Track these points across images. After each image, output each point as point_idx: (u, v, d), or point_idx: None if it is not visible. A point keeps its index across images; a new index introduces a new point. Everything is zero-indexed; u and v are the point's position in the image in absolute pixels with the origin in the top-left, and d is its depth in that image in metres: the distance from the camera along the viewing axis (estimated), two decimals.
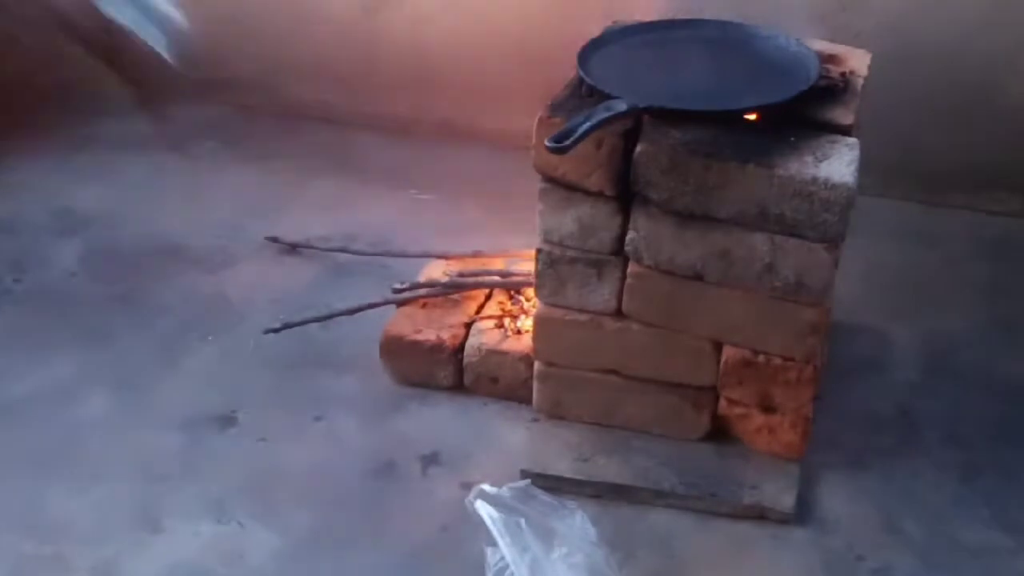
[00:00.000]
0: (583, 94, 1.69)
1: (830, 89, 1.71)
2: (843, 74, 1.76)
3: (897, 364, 2.09)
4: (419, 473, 1.79)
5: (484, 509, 1.67)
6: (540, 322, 1.81)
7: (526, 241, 1.82)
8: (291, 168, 2.74)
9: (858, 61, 1.83)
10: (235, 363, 2.04)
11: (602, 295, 1.74)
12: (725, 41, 1.84)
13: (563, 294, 1.76)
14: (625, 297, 1.73)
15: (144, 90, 3.02)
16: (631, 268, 1.70)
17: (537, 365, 1.85)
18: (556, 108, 1.65)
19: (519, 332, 1.96)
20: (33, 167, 2.63)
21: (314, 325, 2.07)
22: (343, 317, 2.09)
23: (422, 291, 2.06)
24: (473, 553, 1.60)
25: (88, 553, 1.20)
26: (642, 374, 1.78)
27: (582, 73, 1.70)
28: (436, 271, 2.12)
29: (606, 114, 1.55)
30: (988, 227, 2.53)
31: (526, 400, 1.90)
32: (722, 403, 1.79)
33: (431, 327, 1.98)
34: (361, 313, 2.08)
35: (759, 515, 1.71)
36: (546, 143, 1.52)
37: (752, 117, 1.66)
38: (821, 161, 1.56)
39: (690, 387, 1.78)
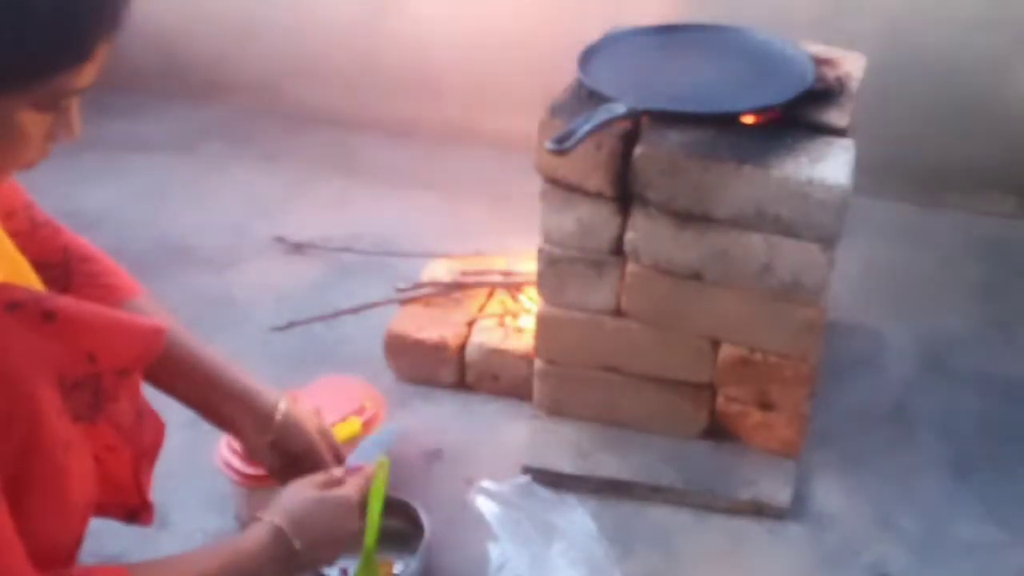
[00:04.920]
0: (583, 97, 1.71)
1: (825, 92, 1.74)
2: (838, 77, 1.78)
3: (892, 362, 2.11)
4: (422, 469, 1.81)
5: (485, 505, 1.69)
6: (541, 321, 1.83)
7: (527, 241, 1.84)
8: (295, 169, 2.77)
9: (853, 64, 1.85)
10: (241, 361, 2.06)
11: (602, 294, 1.76)
12: (723, 45, 1.86)
13: (564, 293, 1.78)
14: (624, 296, 1.75)
15: (150, 91, 3.05)
16: (630, 268, 1.72)
17: (538, 363, 1.87)
18: (557, 110, 1.67)
19: (520, 331, 1.98)
20: (38, 168, 2.65)
21: (319, 323, 2.09)
22: (347, 316, 2.11)
23: (425, 290, 2.08)
24: (475, 548, 1.62)
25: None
26: (641, 372, 1.80)
27: (582, 76, 1.73)
28: (439, 270, 2.14)
29: (606, 116, 1.58)
30: (982, 227, 2.55)
31: (527, 397, 1.92)
32: (720, 400, 1.81)
33: (434, 326, 2.00)
34: (365, 312, 2.11)
35: (756, 510, 1.73)
36: (547, 145, 1.55)
37: (749, 119, 1.68)
38: (816, 162, 1.58)
39: (688, 384, 1.80)
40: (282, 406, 1.28)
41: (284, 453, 1.28)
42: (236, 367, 1.27)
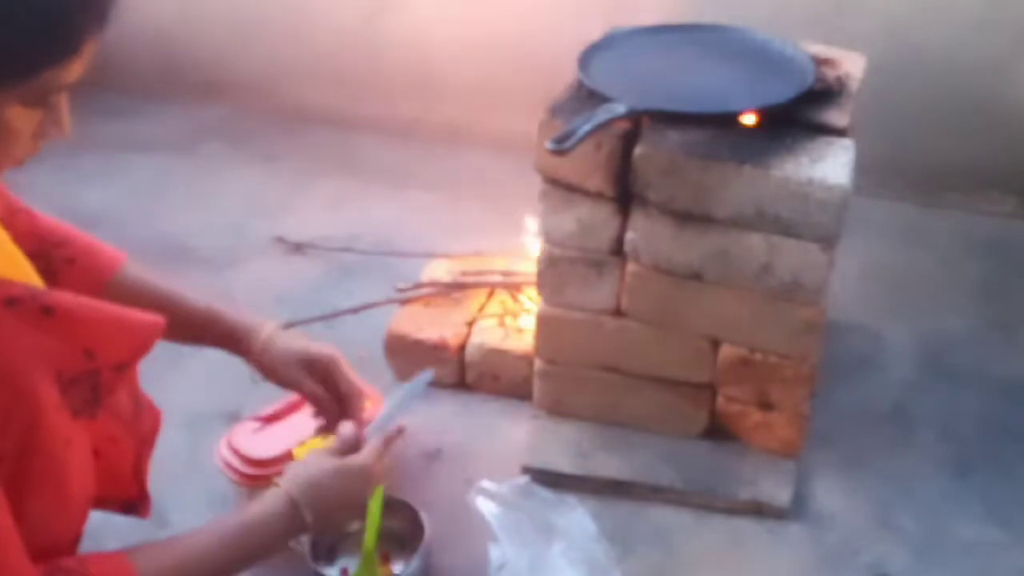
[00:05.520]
0: (583, 97, 1.71)
1: (825, 92, 1.74)
2: (838, 77, 1.78)
3: (892, 362, 2.11)
4: (422, 469, 1.82)
5: (485, 505, 1.70)
6: (541, 321, 1.83)
7: (527, 241, 1.84)
8: (295, 169, 2.77)
9: (853, 64, 1.85)
10: (240, 362, 2.06)
11: (602, 294, 1.76)
12: (723, 45, 1.86)
13: (564, 293, 1.78)
14: (624, 296, 1.75)
15: (149, 91, 3.05)
16: (630, 268, 1.72)
17: (538, 363, 1.87)
18: (557, 110, 1.67)
19: (520, 331, 1.98)
20: (38, 168, 2.64)
21: (319, 324, 2.10)
22: (347, 316, 2.11)
23: (425, 290, 2.09)
24: (475, 549, 1.62)
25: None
26: (641, 371, 1.81)
27: (582, 76, 1.73)
28: (439, 270, 2.14)
29: (606, 116, 1.58)
30: (982, 227, 2.55)
31: (527, 397, 1.92)
32: (720, 400, 1.81)
33: (434, 326, 2.00)
34: (365, 312, 2.11)
35: (756, 510, 1.73)
36: (547, 145, 1.55)
37: (749, 119, 1.68)
38: (816, 162, 1.58)
39: (688, 384, 1.80)
40: (268, 330, 1.33)
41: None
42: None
